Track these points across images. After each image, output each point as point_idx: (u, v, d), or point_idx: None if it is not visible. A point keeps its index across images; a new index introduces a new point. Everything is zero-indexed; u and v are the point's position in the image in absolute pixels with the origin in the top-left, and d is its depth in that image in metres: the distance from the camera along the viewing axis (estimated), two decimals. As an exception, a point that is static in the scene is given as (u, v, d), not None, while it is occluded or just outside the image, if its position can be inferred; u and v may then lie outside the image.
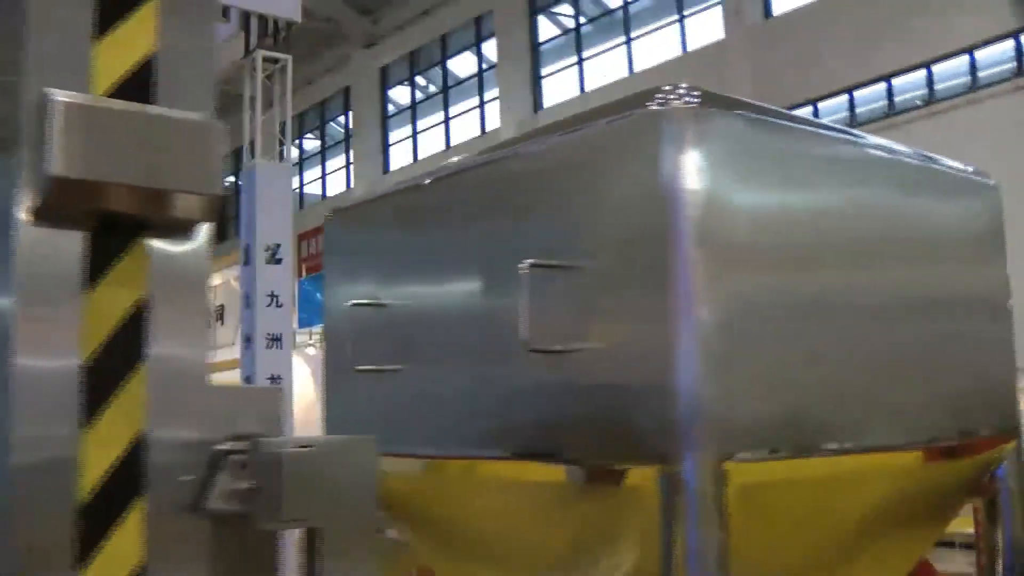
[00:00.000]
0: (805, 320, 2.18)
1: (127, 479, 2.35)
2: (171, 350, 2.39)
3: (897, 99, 16.79)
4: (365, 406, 2.81)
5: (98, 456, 2.36)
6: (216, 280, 13.08)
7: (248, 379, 6.86)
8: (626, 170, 2.05)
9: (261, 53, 8.02)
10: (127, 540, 2.38)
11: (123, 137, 2.26)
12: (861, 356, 2.32)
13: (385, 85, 27.61)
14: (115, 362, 2.35)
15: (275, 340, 8.71)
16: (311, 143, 30.23)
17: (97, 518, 2.34)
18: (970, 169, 2.88)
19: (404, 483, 2.72)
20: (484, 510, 2.55)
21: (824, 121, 2.62)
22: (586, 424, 2.12)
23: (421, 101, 27.39)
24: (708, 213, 1.97)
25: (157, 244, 2.26)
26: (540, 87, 23.81)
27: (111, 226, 2.30)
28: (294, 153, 30.73)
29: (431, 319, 2.57)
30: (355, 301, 2.71)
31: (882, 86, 17.05)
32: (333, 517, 2.45)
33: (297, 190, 27.73)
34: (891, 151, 2.64)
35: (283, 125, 8.08)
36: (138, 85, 2.34)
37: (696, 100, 2.03)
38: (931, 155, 2.88)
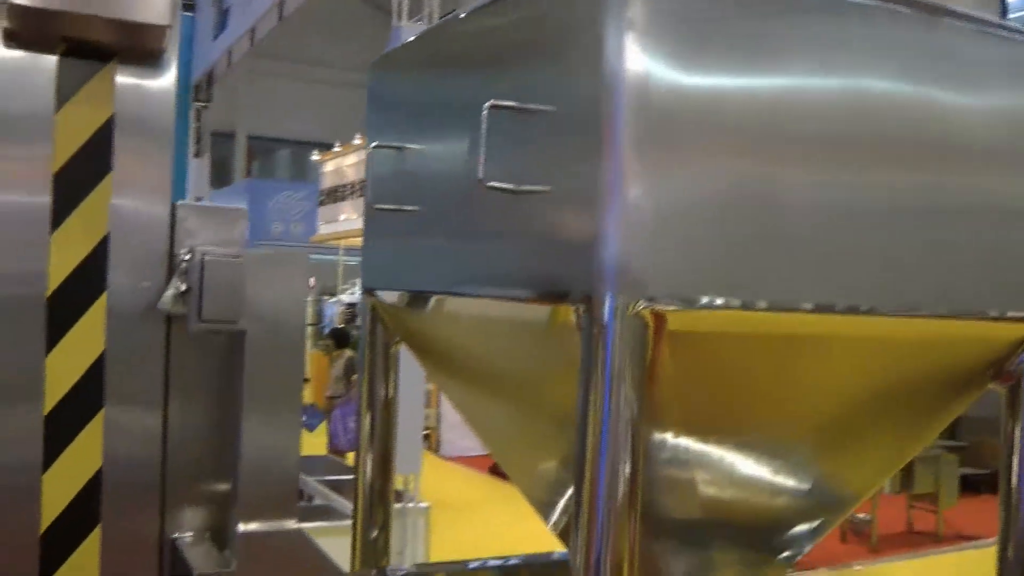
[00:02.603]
0: (767, 191, 2.13)
1: (92, 276, 2.65)
2: (135, 170, 2.64)
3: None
4: (390, 244, 2.99)
5: (63, 257, 2.68)
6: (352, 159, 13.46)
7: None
8: (574, 35, 2.07)
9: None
10: (88, 333, 2.70)
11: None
12: (841, 223, 2.25)
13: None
14: (81, 174, 2.63)
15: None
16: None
17: (62, 311, 2.67)
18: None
19: (409, 315, 2.92)
20: (464, 341, 2.71)
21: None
22: (534, 264, 2.20)
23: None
24: (647, 84, 1.95)
25: (124, 74, 2.48)
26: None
27: (80, 52, 2.55)
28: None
29: (438, 163, 2.69)
30: (376, 144, 2.85)
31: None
32: (258, 323, 2.68)
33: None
34: (939, 26, 2.33)
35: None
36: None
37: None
38: (1001, 23, 2.58)
